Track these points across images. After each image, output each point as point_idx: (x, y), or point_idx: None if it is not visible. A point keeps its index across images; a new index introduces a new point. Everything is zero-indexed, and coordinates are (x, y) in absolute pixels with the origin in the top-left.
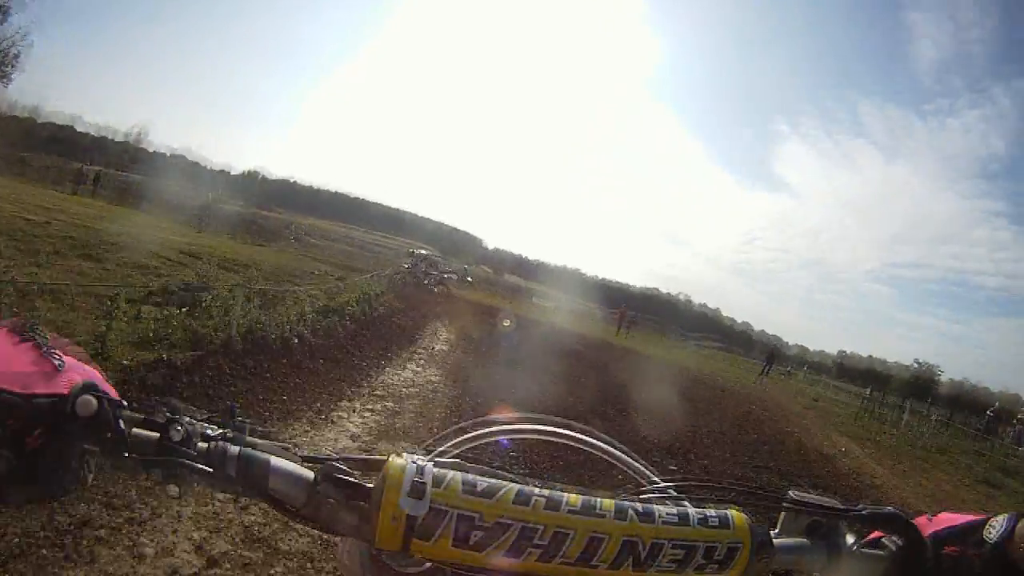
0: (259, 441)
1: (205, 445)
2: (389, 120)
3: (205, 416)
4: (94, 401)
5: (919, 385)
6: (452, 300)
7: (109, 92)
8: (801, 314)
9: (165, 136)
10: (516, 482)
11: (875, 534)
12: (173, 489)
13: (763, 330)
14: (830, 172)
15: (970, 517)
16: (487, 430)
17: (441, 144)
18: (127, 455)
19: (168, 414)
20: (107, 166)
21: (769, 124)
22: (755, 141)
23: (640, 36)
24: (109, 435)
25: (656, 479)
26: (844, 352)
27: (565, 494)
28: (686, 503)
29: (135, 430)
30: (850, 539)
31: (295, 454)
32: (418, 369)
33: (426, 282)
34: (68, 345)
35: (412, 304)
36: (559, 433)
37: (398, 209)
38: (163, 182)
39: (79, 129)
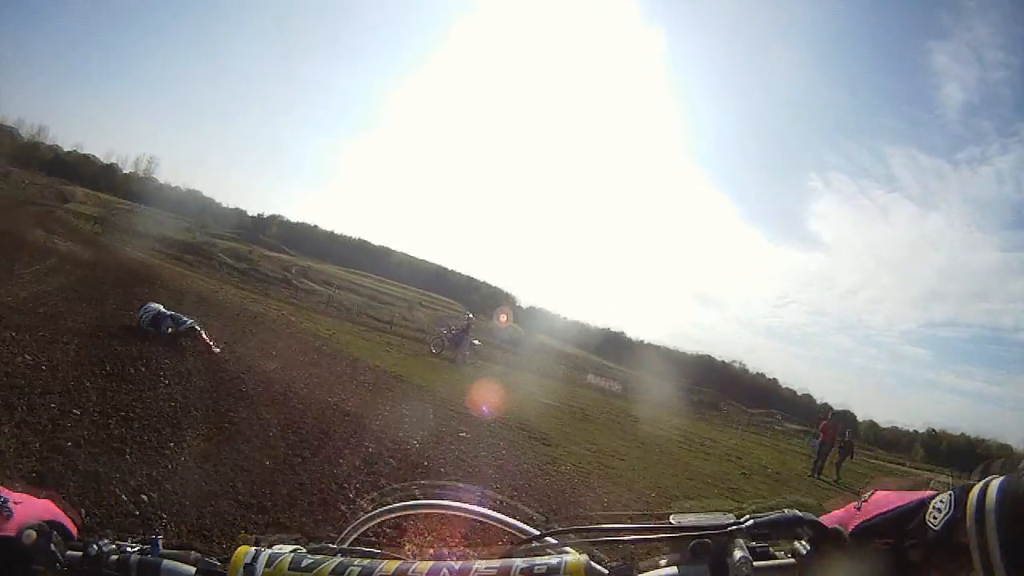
0: (169, 551)
1: (116, 558)
2: (417, 173)
3: (138, 540)
4: (34, 534)
5: None
6: None
7: (113, 123)
8: (839, 379)
9: (172, 174)
10: (366, 559)
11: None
12: None
13: (826, 402)
14: (865, 228)
15: (906, 496)
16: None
17: (471, 200)
18: (61, 572)
19: (91, 538)
20: (114, 194)
21: (802, 181)
22: (788, 198)
23: (673, 103)
24: (45, 558)
25: (532, 530)
26: (933, 430)
27: (383, 562)
28: (517, 559)
29: (69, 552)
30: (739, 554)
31: (197, 558)
32: None
33: None
34: (28, 487)
35: None
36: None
37: (425, 260)
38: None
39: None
